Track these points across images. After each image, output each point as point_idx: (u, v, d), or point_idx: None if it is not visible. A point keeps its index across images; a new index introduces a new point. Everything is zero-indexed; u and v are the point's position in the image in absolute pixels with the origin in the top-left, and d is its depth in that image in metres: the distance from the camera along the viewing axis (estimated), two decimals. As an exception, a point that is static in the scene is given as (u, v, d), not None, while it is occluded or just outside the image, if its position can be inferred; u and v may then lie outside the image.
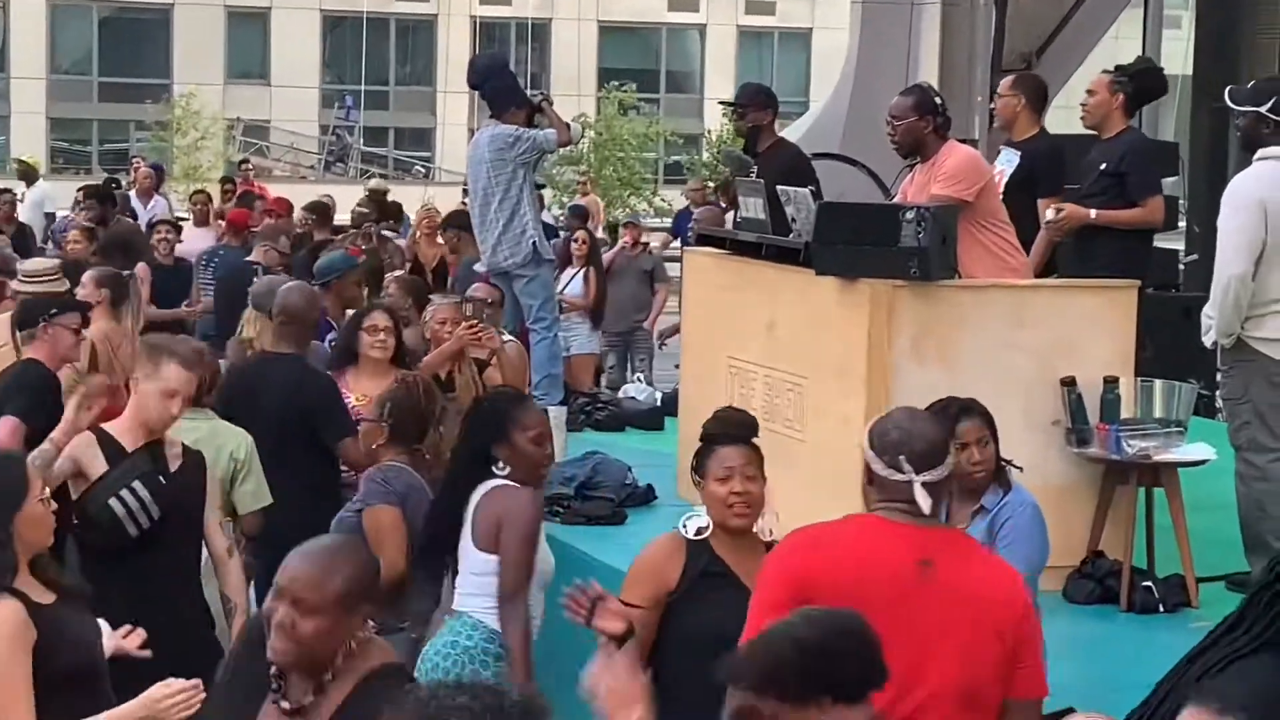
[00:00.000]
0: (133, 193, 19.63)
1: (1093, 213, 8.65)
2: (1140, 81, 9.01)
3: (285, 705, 4.24)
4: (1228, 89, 7.97)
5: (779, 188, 8.37)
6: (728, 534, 5.49)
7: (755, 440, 5.65)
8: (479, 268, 11.19)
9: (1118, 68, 9.19)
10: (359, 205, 15.95)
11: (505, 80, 11.18)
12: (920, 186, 8.34)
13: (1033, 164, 9.08)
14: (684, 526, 5.53)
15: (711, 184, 19.58)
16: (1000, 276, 7.92)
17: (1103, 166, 8.76)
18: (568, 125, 11.19)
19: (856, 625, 3.82)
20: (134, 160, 26.18)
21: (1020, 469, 6.20)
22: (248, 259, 12.80)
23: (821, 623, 3.81)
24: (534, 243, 10.75)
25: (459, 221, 13.17)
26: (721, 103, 10.66)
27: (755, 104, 10.56)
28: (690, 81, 56.96)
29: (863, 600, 4.35)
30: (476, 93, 11.57)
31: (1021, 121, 9.25)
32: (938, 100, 8.45)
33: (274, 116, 52.31)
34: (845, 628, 3.81)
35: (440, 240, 14.98)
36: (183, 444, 6.51)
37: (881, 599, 4.39)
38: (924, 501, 4.57)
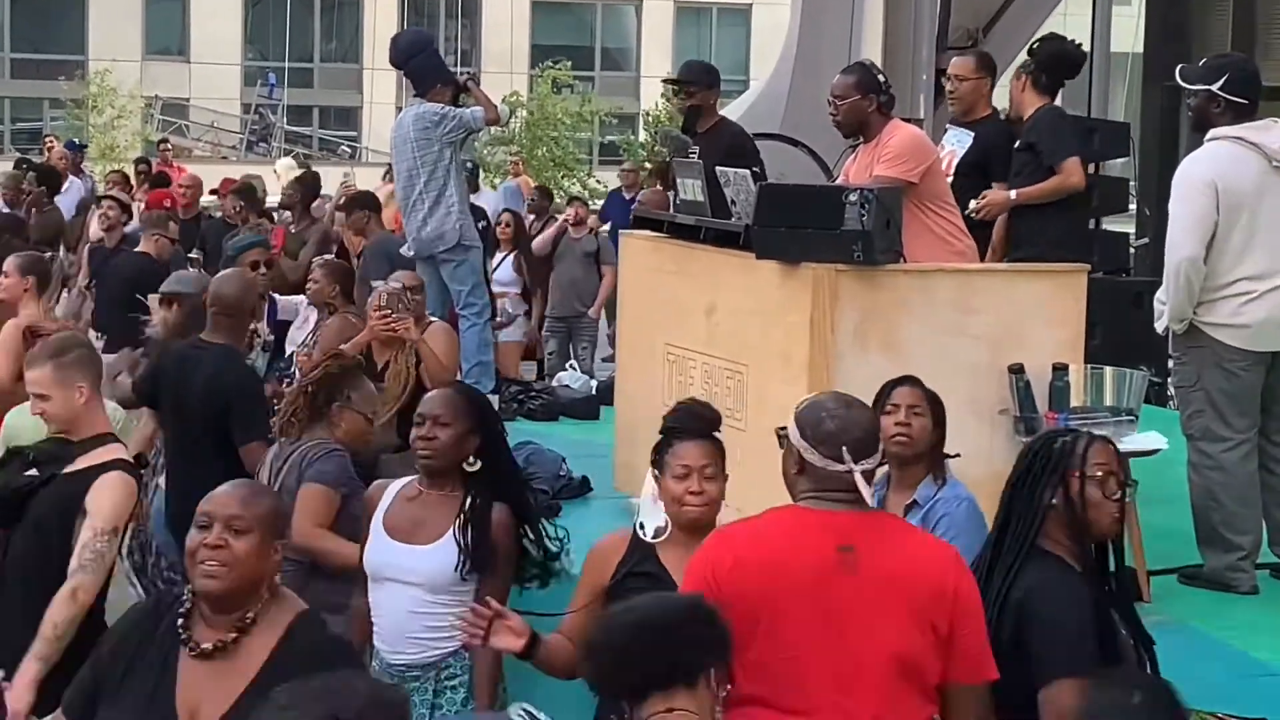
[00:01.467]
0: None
1: (1012, 194, 8.74)
2: (1046, 60, 9.10)
3: (205, 647, 4.25)
4: (1179, 67, 7.99)
5: (718, 169, 8.35)
6: (680, 532, 5.47)
7: (718, 434, 5.62)
8: (405, 251, 11.13)
9: (1028, 53, 9.31)
10: (287, 189, 15.84)
11: (429, 58, 11.15)
12: (863, 167, 8.34)
13: (987, 146, 9.10)
14: (641, 527, 5.52)
15: (649, 165, 19.53)
16: (945, 260, 7.93)
17: (1016, 145, 8.90)
18: (495, 105, 11.17)
19: (706, 608, 3.98)
20: (46, 139, 25.95)
21: (957, 455, 6.23)
22: (136, 249, 12.68)
23: (638, 610, 4.03)
24: (461, 226, 10.74)
25: (365, 202, 13.08)
26: (666, 81, 10.59)
27: (703, 82, 10.55)
28: (626, 59, 56.90)
29: (775, 591, 4.42)
30: (400, 72, 11.53)
31: (982, 103, 9.29)
32: (881, 78, 8.45)
33: (194, 94, 51.98)
34: (654, 618, 3.97)
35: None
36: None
37: (796, 588, 4.48)
38: (865, 490, 4.61)
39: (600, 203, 18.50)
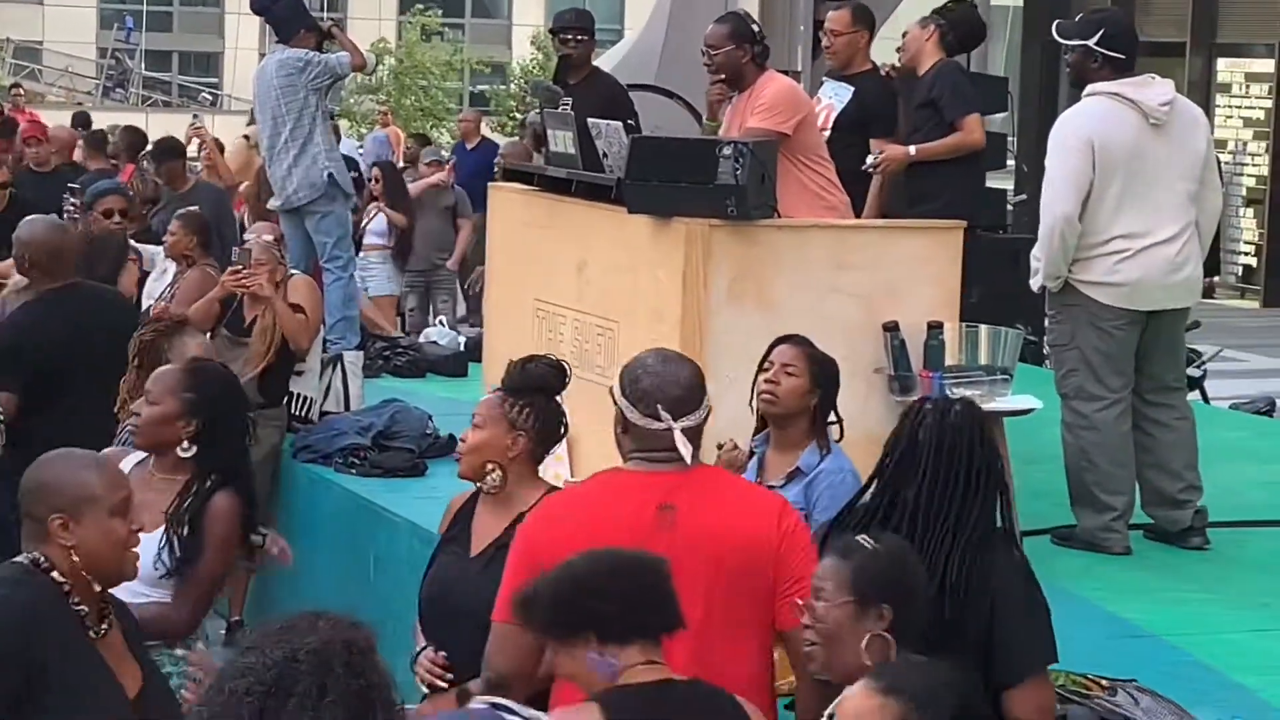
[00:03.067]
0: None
1: (911, 149, 8.75)
2: (960, 24, 9.13)
3: (104, 628, 4.33)
4: (1055, 23, 8.06)
5: (590, 121, 8.35)
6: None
7: (555, 389, 5.51)
8: (273, 204, 11.06)
9: (935, 11, 9.33)
10: (114, 140, 15.58)
11: (293, 3, 11.06)
12: (738, 118, 8.36)
13: (867, 101, 9.14)
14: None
15: (517, 115, 19.48)
16: (818, 215, 7.96)
17: (918, 102, 8.91)
18: (361, 50, 11.13)
19: (633, 566, 4.02)
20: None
21: (835, 422, 6.24)
22: None
23: (599, 560, 4.03)
24: (329, 175, 10.68)
25: (170, 148, 12.98)
26: (553, 31, 10.44)
27: (589, 30, 10.50)
28: (497, 7, 56.68)
29: None
30: (262, 17, 11.42)
31: (860, 57, 9.28)
32: (755, 28, 8.46)
33: (47, 38, 51.25)
34: (618, 567, 4.01)
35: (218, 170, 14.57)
36: None
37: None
38: (685, 449, 4.64)
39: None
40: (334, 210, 10.83)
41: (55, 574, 4.31)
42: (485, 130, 21.13)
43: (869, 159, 8.74)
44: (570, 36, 10.38)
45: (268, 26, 11.74)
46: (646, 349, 4.97)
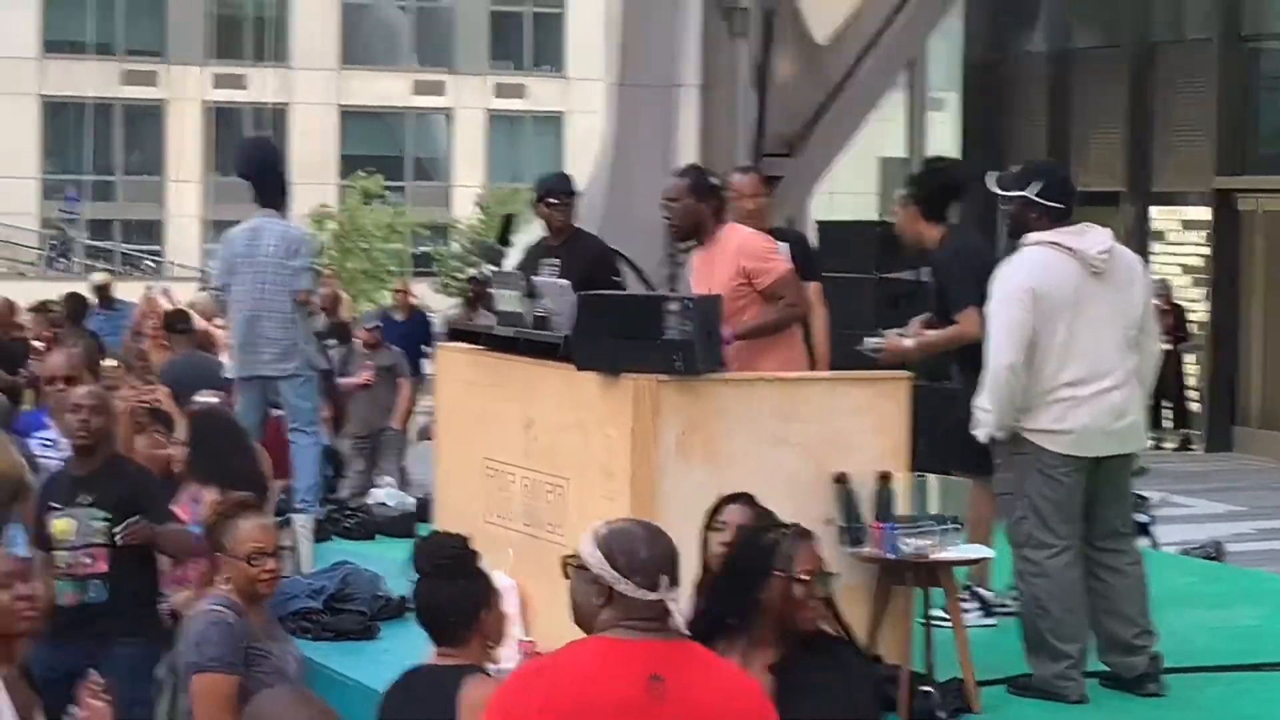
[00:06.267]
0: None
1: (909, 343, 8.79)
2: (934, 192, 9.10)
3: None
4: (993, 175, 8.11)
5: (535, 279, 8.39)
6: None
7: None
8: (230, 372, 11.05)
9: (907, 181, 9.36)
10: (55, 305, 15.68)
11: (281, 171, 11.19)
12: (703, 271, 8.44)
13: (795, 250, 9.26)
14: None
15: (459, 276, 19.56)
16: (789, 351, 8.06)
17: (929, 281, 9.02)
18: None
19: None
20: None
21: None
22: None
23: None
24: (309, 344, 10.85)
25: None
26: (539, 195, 10.39)
27: (573, 193, 10.54)
28: (438, 168, 57.05)
29: None
30: (248, 181, 11.40)
31: (767, 215, 9.36)
32: (714, 180, 8.55)
33: (-11, 209, 51.31)
34: None
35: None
36: None
37: None
38: (680, 617, 4.61)
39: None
40: (314, 376, 10.95)
41: None
42: (429, 290, 21.23)
43: (869, 342, 8.75)
44: (557, 201, 10.41)
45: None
46: (616, 518, 4.88)
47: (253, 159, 11.47)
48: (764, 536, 5.50)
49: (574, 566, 4.67)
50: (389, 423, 16.01)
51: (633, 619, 4.59)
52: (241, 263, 10.90)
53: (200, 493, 8.27)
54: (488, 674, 5.46)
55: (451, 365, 9.14)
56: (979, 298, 8.34)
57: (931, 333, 8.83)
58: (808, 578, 5.35)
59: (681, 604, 4.68)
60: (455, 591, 5.53)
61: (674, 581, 4.62)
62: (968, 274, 8.58)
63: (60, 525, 7.89)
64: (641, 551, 4.62)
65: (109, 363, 10.79)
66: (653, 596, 4.58)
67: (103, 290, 19.48)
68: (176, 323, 14.00)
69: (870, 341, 8.75)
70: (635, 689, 4.49)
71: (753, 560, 5.41)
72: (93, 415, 8.06)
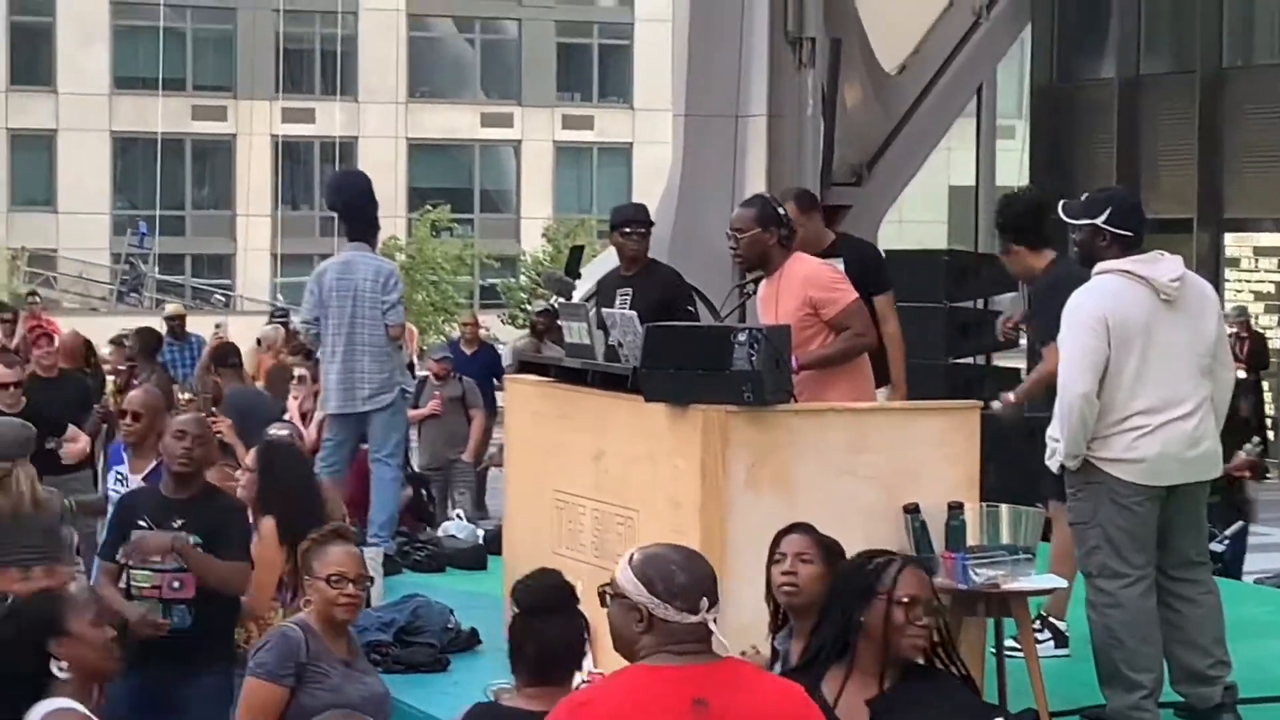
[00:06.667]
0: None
1: (1011, 396, 8.78)
2: (1015, 222, 9.08)
3: None
4: (1061, 203, 8.09)
5: (604, 311, 8.41)
6: None
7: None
8: (327, 408, 11.12)
9: (996, 213, 9.35)
10: (128, 341, 15.82)
11: (374, 206, 11.26)
12: (769, 301, 8.44)
13: (860, 264, 9.26)
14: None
15: (528, 307, 19.62)
16: (854, 382, 8.04)
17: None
18: None
19: None
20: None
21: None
22: None
23: None
24: (400, 377, 10.97)
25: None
26: (613, 225, 10.38)
27: (648, 224, 10.54)
28: (506, 200, 57.22)
29: None
30: (340, 213, 11.47)
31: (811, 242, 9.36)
32: (780, 211, 8.56)
33: (61, 245, 51.73)
34: None
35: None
36: None
37: None
38: (720, 637, 4.62)
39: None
40: (403, 408, 11.03)
41: None
42: (496, 323, 21.31)
43: (994, 405, 8.69)
44: (631, 230, 10.41)
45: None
46: (651, 544, 4.87)
47: (345, 191, 11.53)
48: (869, 560, 5.52)
49: (612, 595, 4.67)
50: (460, 455, 16.04)
51: (674, 644, 4.59)
52: (334, 297, 10.95)
53: (259, 522, 8.33)
54: None
55: (520, 397, 9.17)
56: (1054, 334, 8.37)
57: (1027, 381, 8.81)
58: (908, 601, 5.34)
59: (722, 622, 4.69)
60: (565, 629, 5.51)
61: (713, 603, 4.62)
62: (1050, 307, 8.58)
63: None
64: (679, 576, 4.63)
65: (184, 395, 10.88)
66: (694, 620, 4.59)
67: (175, 322, 19.65)
68: (227, 357, 14.08)
69: (995, 405, 8.71)
70: (679, 713, 4.49)
71: (854, 582, 5.44)
72: (196, 444, 8.17)
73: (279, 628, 6.95)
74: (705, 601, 4.60)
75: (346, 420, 10.97)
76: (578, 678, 5.69)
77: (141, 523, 7.96)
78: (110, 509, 8.48)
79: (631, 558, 4.69)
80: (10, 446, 9.48)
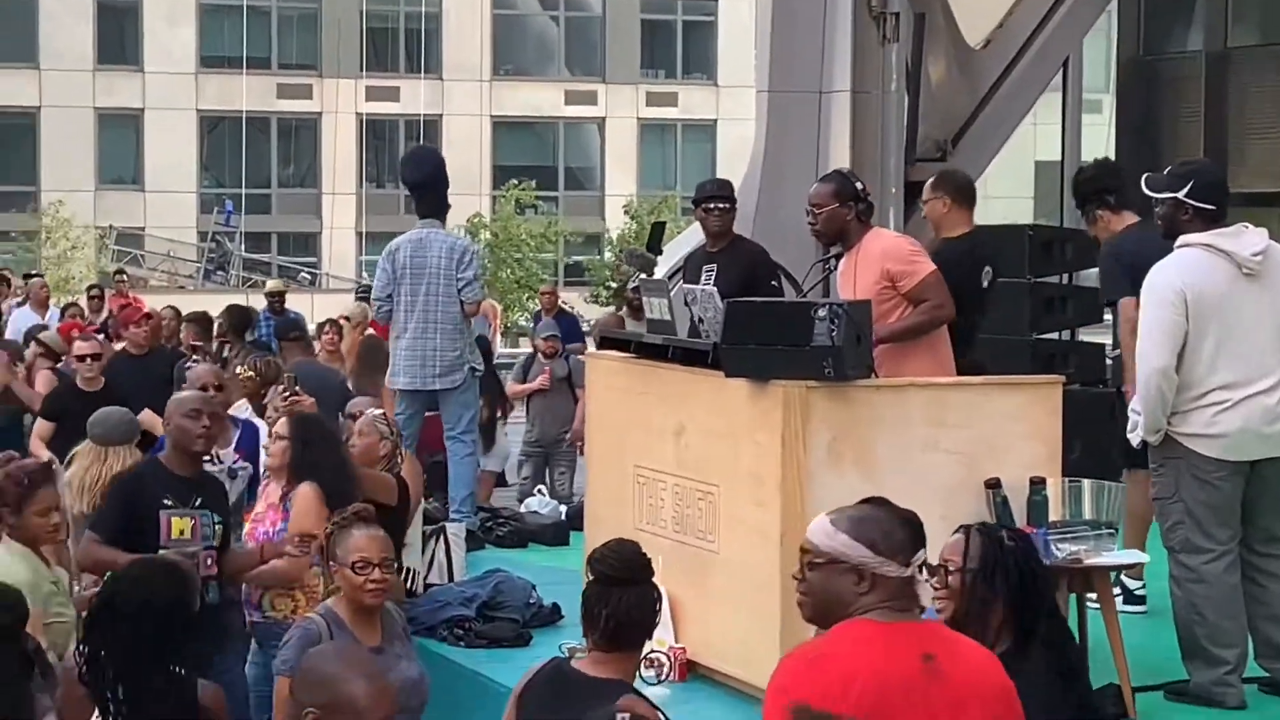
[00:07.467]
0: (22, 304, 19.75)
1: (1114, 352, 8.83)
2: (1088, 186, 9.13)
3: None
4: (1144, 177, 8.06)
5: (684, 287, 8.43)
6: None
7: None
8: (397, 385, 11.17)
9: (1074, 181, 9.33)
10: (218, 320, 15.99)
11: (446, 183, 11.31)
12: (848, 276, 8.45)
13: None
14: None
15: (612, 285, 19.67)
16: (933, 355, 8.09)
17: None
18: None
19: None
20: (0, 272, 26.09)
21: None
22: None
23: None
24: (473, 354, 11.01)
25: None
26: (695, 201, 10.38)
27: (732, 199, 10.53)
28: (590, 177, 57.28)
29: (888, 710, 4.40)
30: (413, 190, 11.51)
31: (951, 220, 9.27)
32: (859, 185, 8.55)
33: (149, 223, 52.15)
34: None
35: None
36: None
37: (901, 706, 4.45)
38: (925, 595, 4.67)
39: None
40: (474, 384, 11.07)
41: None
42: (580, 300, 21.34)
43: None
44: (714, 206, 10.42)
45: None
46: (843, 508, 4.79)
47: (422, 168, 11.58)
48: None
49: (820, 564, 4.64)
50: (565, 433, 15.99)
51: (891, 600, 4.60)
52: (407, 274, 11.00)
53: (294, 489, 8.40)
54: (639, 693, 5.49)
55: (602, 373, 9.21)
56: (1123, 291, 8.40)
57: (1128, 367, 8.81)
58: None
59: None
60: (638, 598, 5.56)
61: (919, 548, 4.68)
62: (1110, 270, 8.63)
63: (180, 524, 8.03)
64: (897, 533, 4.66)
65: (245, 371, 10.95)
66: (908, 574, 4.62)
67: (275, 298, 19.83)
68: (289, 332, 14.18)
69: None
70: (913, 669, 4.52)
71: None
72: (214, 423, 8.31)
73: (300, 622, 7.01)
74: (922, 554, 4.64)
75: (416, 396, 11.03)
76: (647, 646, 5.74)
77: (166, 502, 8.04)
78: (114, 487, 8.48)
79: (836, 524, 4.66)
80: (113, 432, 9.63)
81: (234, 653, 8.23)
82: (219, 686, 5.92)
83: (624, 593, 5.55)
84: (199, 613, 5.99)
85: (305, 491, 8.21)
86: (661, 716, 5.41)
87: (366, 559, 6.76)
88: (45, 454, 9.98)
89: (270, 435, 9.06)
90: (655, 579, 5.69)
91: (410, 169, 11.63)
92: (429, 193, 11.25)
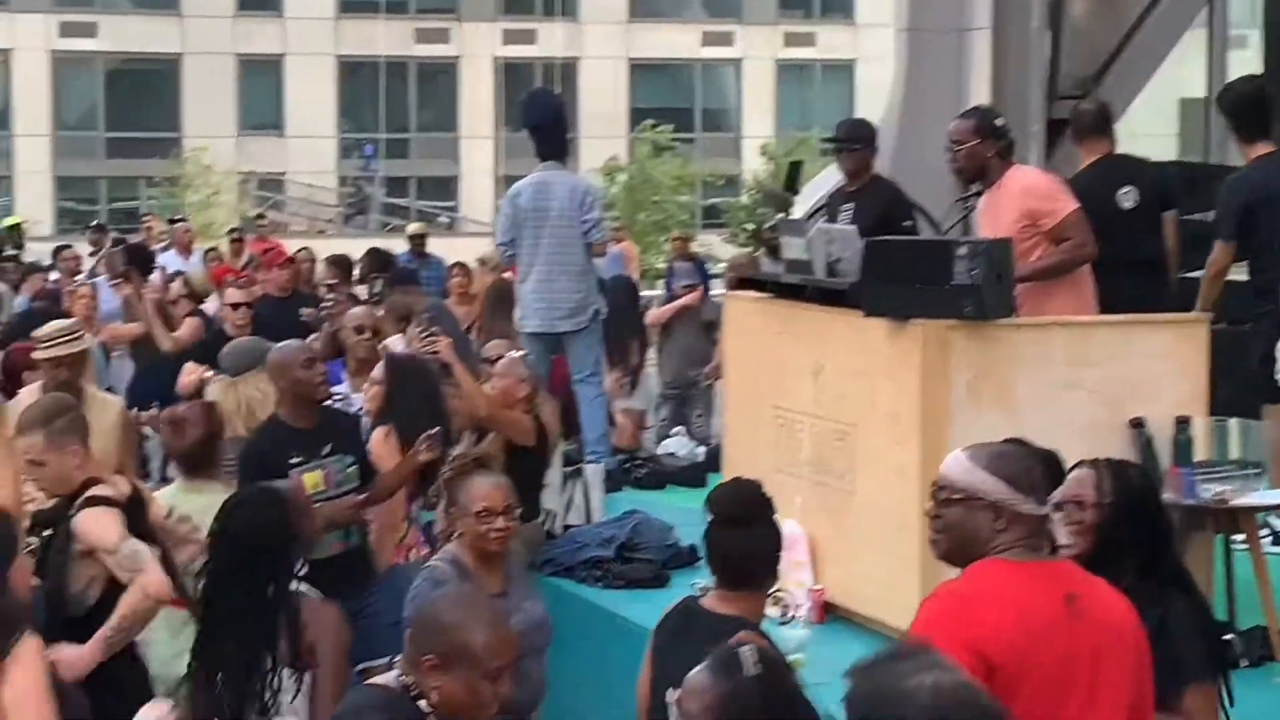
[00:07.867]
0: (166, 250, 20.00)
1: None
2: (1233, 107, 9.00)
3: None
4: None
5: (821, 226, 8.37)
6: None
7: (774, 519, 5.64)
8: (524, 327, 11.18)
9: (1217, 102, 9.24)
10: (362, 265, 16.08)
11: (564, 124, 11.29)
12: (989, 213, 8.35)
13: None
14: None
15: (749, 227, 19.57)
16: (1068, 293, 8.01)
17: None
18: None
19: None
20: (145, 218, 26.41)
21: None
22: None
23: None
24: (599, 298, 11.02)
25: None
26: (831, 140, 10.33)
27: (869, 140, 10.43)
28: (727, 120, 57.09)
29: (1038, 652, 4.37)
30: (532, 133, 11.48)
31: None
32: (999, 122, 8.46)
33: (289, 169, 52.61)
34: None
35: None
36: None
37: (1051, 645, 4.44)
38: (1059, 533, 4.64)
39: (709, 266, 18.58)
40: (598, 327, 11.06)
41: (422, 703, 4.54)
42: (719, 242, 21.28)
43: None
44: (852, 146, 10.32)
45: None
46: (975, 445, 4.75)
47: (541, 110, 11.57)
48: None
49: (956, 500, 4.59)
50: (697, 375, 15.93)
51: (1028, 538, 4.56)
52: (529, 217, 11.00)
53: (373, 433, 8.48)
54: (763, 633, 5.45)
55: (739, 314, 9.16)
56: (1228, 233, 8.27)
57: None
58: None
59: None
60: (756, 537, 5.53)
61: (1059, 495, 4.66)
62: (1227, 204, 8.54)
63: (311, 479, 8.05)
64: (1035, 470, 4.64)
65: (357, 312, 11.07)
66: (1044, 512, 4.58)
67: (417, 240, 19.92)
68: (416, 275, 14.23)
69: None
70: (1058, 607, 4.49)
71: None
72: (323, 372, 8.48)
73: (426, 568, 7.00)
74: (1060, 491, 4.62)
75: (541, 339, 11.03)
76: (779, 585, 5.73)
77: (294, 460, 8.06)
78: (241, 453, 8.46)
79: (974, 460, 4.60)
80: (242, 360, 9.72)
81: (376, 592, 8.25)
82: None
83: (742, 532, 5.53)
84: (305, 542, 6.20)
85: (374, 435, 8.34)
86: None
87: (489, 508, 6.77)
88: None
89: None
90: (777, 518, 5.65)
91: (528, 111, 11.60)
92: (547, 134, 11.22)
